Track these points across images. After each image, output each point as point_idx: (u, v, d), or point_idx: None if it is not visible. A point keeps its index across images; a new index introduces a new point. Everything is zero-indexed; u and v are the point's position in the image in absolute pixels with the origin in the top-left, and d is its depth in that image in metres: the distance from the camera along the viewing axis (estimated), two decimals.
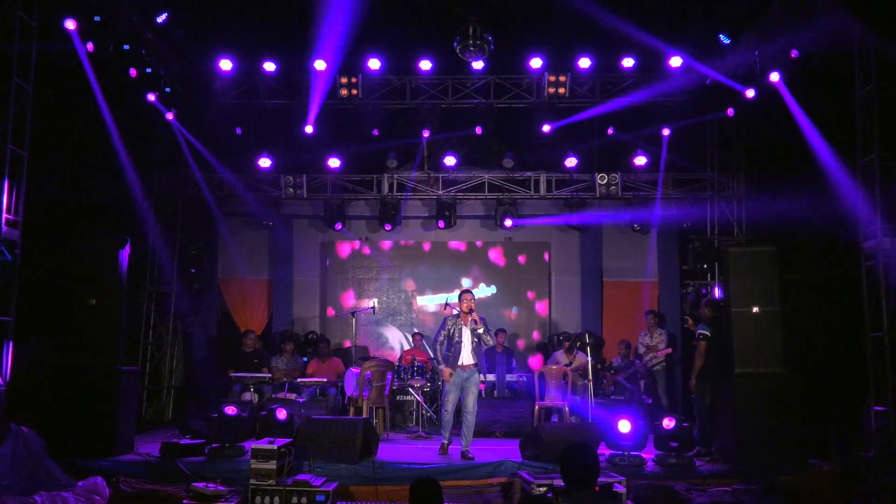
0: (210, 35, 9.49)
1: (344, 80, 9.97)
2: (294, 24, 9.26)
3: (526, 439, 7.20)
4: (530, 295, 11.97)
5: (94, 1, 7.95)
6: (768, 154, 10.37)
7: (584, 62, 9.86)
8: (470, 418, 7.38)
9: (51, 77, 7.53)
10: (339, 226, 11.26)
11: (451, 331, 7.47)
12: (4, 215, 6.48)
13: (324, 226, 11.47)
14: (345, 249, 12.01)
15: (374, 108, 10.35)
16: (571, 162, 10.60)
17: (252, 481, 6.00)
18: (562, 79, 10.03)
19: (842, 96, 7.60)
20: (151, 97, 9.39)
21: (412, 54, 9.91)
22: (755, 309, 7.41)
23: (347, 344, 10.60)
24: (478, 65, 9.61)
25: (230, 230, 11.54)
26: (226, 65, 9.81)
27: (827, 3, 7.46)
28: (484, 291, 11.81)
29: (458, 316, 7.53)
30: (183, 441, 7.13)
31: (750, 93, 9.22)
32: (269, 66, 9.92)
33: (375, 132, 10.51)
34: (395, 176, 11.13)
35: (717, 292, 10.53)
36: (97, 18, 8.01)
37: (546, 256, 12.02)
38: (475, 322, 7.40)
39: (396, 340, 11.86)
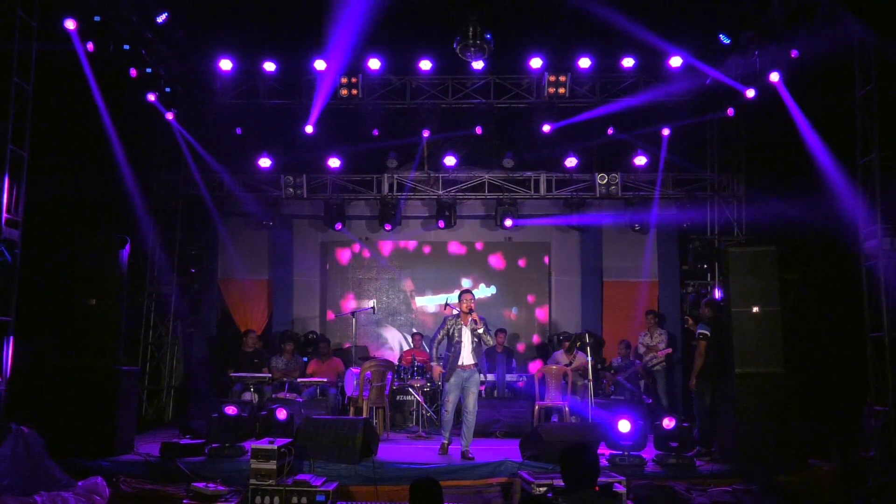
0: (210, 35, 9.50)
1: (344, 80, 9.97)
2: (294, 24, 9.27)
3: (526, 439, 7.20)
4: (530, 298, 11.96)
5: (94, 1, 7.95)
6: (768, 154, 10.37)
7: (584, 62, 9.87)
8: (470, 418, 7.38)
9: (51, 77, 7.53)
10: (339, 226, 11.25)
11: (451, 331, 7.47)
12: (4, 215, 6.48)
13: (324, 226, 11.47)
14: (345, 256, 12.00)
15: (374, 108, 10.36)
16: (571, 162, 10.60)
17: (252, 481, 6.00)
18: (562, 79, 10.04)
19: (842, 96, 7.60)
20: (151, 97, 9.40)
21: (412, 54, 9.91)
22: (755, 309, 7.41)
23: (347, 345, 10.60)
24: (478, 65, 9.61)
25: (230, 230, 11.54)
26: (226, 65, 9.82)
27: (827, 4, 7.46)
28: (484, 291, 11.81)
29: (458, 316, 7.53)
30: (183, 441, 7.13)
31: (750, 93, 9.23)
32: (269, 66, 9.93)
33: (375, 132, 10.52)
34: (395, 176, 11.12)
35: (717, 292, 10.53)
36: (97, 18, 8.03)
37: (546, 257, 12.01)
38: (475, 322, 7.40)
39: (396, 341, 11.86)
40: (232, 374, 9.08)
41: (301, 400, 8.85)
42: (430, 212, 11.71)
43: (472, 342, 7.43)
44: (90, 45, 8.06)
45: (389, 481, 6.53)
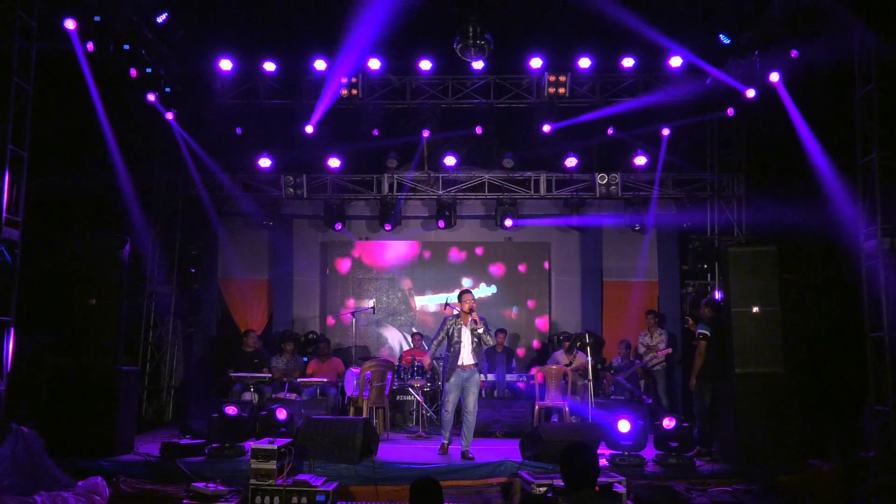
0: (210, 35, 9.50)
1: (344, 80, 9.97)
2: (294, 24, 9.27)
3: (526, 439, 7.20)
4: (531, 304, 11.94)
5: (94, 1, 7.94)
6: (768, 154, 10.38)
7: (584, 62, 9.87)
8: (470, 418, 7.38)
9: (50, 77, 7.53)
10: (339, 226, 11.25)
11: (451, 331, 7.47)
12: (4, 215, 6.48)
13: (324, 226, 11.47)
14: (345, 265, 11.99)
15: (374, 108, 10.36)
16: (571, 162, 10.59)
17: (252, 481, 6.01)
18: (562, 79, 10.04)
19: (842, 96, 7.60)
20: (151, 97, 9.40)
21: (412, 54, 9.91)
22: (755, 309, 7.41)
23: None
24: (478, 65, 9.61)
25: (230, 230, 11.55)
26: (226, 65, 9.82)
27: (827, 4, 7.46)
28: (484, 291, 11.81)
29: (458, 316, 7.53)
30: (183, 441, 7.13)
31: (750, 93, 9.23)
32: (269, 66, 9.94)
33: (375, 132, 10.52)
34: (395, 176, 11.12)
35: (717, 293, 10.53)
36: (97, 18, 8.01)
37: (546, 257, 12.00)
38: (475, 322, 7.39)
39: (396, 341, 11.86)
40: (232, 374, 9.09)
41: (301, 400, 8.85)
42: (430, 212, 11.71)
43: (472, 342, 7.43)
44: (90, 45, 8.05)
45: (389, 481, 6.53)
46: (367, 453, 6.86)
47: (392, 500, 6.37)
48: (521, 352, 11.65)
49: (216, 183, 10.84)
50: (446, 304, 8.94)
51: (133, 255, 8.24)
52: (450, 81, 10.44)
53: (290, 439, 6.44)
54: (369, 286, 11.97)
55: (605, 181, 10.74)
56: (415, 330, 11.45)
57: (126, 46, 8.58)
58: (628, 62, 9.88)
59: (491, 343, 7.79)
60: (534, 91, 10.40)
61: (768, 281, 7.45)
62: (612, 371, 10.02)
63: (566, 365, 9.54)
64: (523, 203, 11.45)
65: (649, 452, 7.11)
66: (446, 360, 7.50)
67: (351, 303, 11.84)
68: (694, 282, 11.13)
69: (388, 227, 11.25)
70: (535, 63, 9.79)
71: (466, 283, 11.78)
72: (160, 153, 10.78)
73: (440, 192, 11.14)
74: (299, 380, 9.24)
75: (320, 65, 9.78)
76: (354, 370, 9.05)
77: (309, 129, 10.15)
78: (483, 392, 9.40)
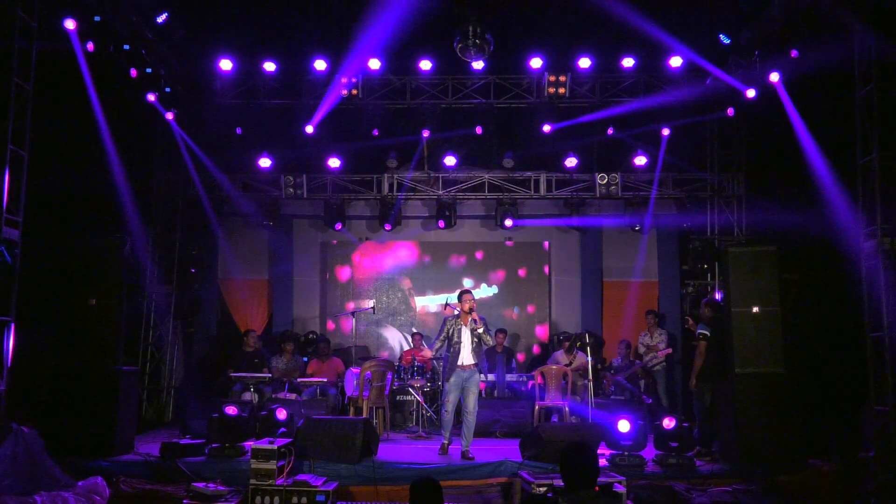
0: (210, 35, 9.51)
1: (344, 80, 9.97)
2: (294, 24, 9.28)
3: (526, 439, 7.20)
4: (530, 309, 11.92)
5: (94, 1, 7.94)
6: (768, 154, 10.37)
7: (584, 62, 9.88)
8: (470, 418, 7.38)
9: (50, 77, 7.53)
10: (339, 226, 11.25)
11: (451, 331, 7.47)
12: (5, 215, 6.48)
13: (324, 226, 11.47)
14: (345, 273, 11.97)
15: (374, 108, 10.37)
16: (571, 162, 10.59)
17: (252, 481, 6.01)
18: (562, 79, 10.05)
19: (842, 96, 7.60)
20: (151, 97, 9.40)
21: (412, 54, 9.91)
22: (755, 309, 7.41)
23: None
24: (478, 65, 9.62)
25: (230, 230, 11.55)
26: (226, 65, 9.82)
27: (827, 4, 7.46)
28: (485, 291, 11.81)
29: (458, 316, 7.53)
30: (183, 441, 7.13)
31: (750, 93, 9.23)
32: (269, 66, 9.95)
33: (375, 132, 10.53)
34: (395, 176, 11.12)
35: (717, 293, 10.53)
36: (97, 18, 8.03)
37: (546, 259, 11.98)
38: (475, 322, 7.39)
39: (396, 341, 11.86)
40: (232, 374, 9.08)
41: (301, 400, 8.85)
42: (431, 212, 11.71)
43: (472, 342, 7.43)
44: (90, 45, 8.05)
45: (389, 481, 6.53)
46: (367, 453, 6.86)
47: (392, 500, 6.37)
48: (521, 357, 11.61)
49: (216, 183, 10.82)
50: (446, 305, 8.94)
51: (133, 254, 8.25)
52: (450, 81, 10.45)
53: (290, 439, 6.44)
54: (369, 286, 11.96)
55: (605, 181, 10.74)
56: (415, 330, 11.44)
57: (126, 46, 8.60)
58: (628, 62, 9.89)
59: (491, 343, 7.79)
60: (534, 91, 10.40)
61: (768, 281, 7.45)
62: (612, 371, 10.02)
63: (566, 365, 9.54)
64: (523, 203, 11.45)
65: (649, 452, 7.11)
66: (446, 360, 7.50)
67: (351, 306, 11.83)
68: (694, 282, 11.13)
69: (388, 227, 11.24)
70: (535, 63, 9.79)
71: (467, 283, 11.78)
72: (160, 153, 10.78)
73: (440, 192, 11.14)
74: (299, 380, 9.23)
75: (320, 65, 9.78)
76: (354, 370, 9.05)
77: (309, 129, 10.16)
78: (483, 392, 9.40)
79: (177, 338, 11.08)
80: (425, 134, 10.40)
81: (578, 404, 8.97)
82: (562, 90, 10.10)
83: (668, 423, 7.01)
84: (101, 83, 8.49)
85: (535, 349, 11.81)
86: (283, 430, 6.96)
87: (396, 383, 9.39)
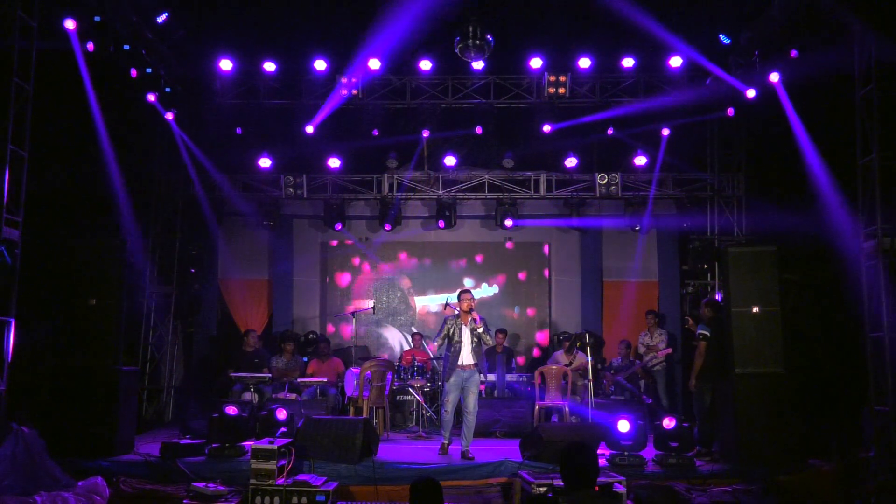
0: (210, 35, 9.51)
1: (344, 80, 9.98)
2: (294, 24, 9.28)
3: (526, 439, 7.20)
4: (530, 312, 11.91)
5: (94, 1, 7.94)
6: (768, 154, 10.37)
7: (584, 62, 9.88)
8: (470, 418, 7.38)
9: (50, 77, 7.53)
10: (339, 226, 11.25)
11: (451, 331, 7.47)
12: (5, 215, 6.48)
13: (324, 226, 11.47)
14: (344, 279, 11.96)
15: (374, 108, 10.37)
16: (571, 162, 10.60)
17: (252, 481, 6.00)
18: (562, 79, 10.04)
19: (842, 96, 7.60)
20: (151, 97, 9.40)
21: (412, 54, 9.91)
22: (755, 309, 7.41)
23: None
24: (478, 65, 9.62)
25: (230, 230, 11.55)
26: (226, 65, 9.83)
27: (827, 4, 7.46)
28: (486, 291, 11.81)
29: (458, 316, 7.53)
30: (183, 441, 7.13)
31: (750, 93, 9.24)
32: (269, 66, 9.95)
33: (375, 132, 10.52)
34: (395, 176, 11.12)
35: (717, 293, 10.53)
36: (97, 18, 8.02)
37: (546, 260, 11.98)
38: (475, 322, 7.39)
39: (396, 341, 11.86)
40: (232, 374, 9.08)
41: (301, 400, 8.85)
42: (431, 212, 11.71)
43: (472, 342, 7.43)
44: (90, 45, 8.05)
45: (389, 481, 6.53)
46: (367, 453, 6.86)
47: (392, 500, 6.37)
48: (521, 360, 11.58)
49: (216, 183, 10.82)
50: (446, 305, 8.94)
51: (133, 254, 8.25)
52: (450, 81, 10.45)
53: (290, 439, 6.44)
54: (369, 287, 11.96)
55: (605, 181, 10.74)
56: (415, 330, 11.44)
57: (126, 46, 8.59)
58: (628, 62, 9.90)
59: (491, 343, 7.80)
60: (534, 91, 10.41)
61: (768, 281, 7.45)
62: (612, 371, 10.02)
63: (566, 365, 9.54)
64: (523, 203, 11.44)
65: (649, 452, 7.11)
66: (446, 359, 7.50)
67: (350, 308, 11.82)
68: (694, 282, 11.13)
69: (387, 227, 11.25)
70: (535, 63, 9.80)
71: (468, 282, 11.78)
72: (160, 153, 10.78)
73: (440, 192, 11.14)
74: (299, 380, 9.23)
75: (320, 65, 9.79)
76: (354, 370, 9.06)
77: (309, 129, 10.16)
78: (483, 392, 9.39)
79: (177, 338, 11.09)
80: (425, 134, 10.41)
81: (578, 404, 8.97)
82: (562, 90, 10.10)
83: (668, 423, 7.01)
84: (101, 83, 8.50)
85: (535, 353, 11.81)
86: (283, 430, 6.95)
87: (396, 383, 9.39)
